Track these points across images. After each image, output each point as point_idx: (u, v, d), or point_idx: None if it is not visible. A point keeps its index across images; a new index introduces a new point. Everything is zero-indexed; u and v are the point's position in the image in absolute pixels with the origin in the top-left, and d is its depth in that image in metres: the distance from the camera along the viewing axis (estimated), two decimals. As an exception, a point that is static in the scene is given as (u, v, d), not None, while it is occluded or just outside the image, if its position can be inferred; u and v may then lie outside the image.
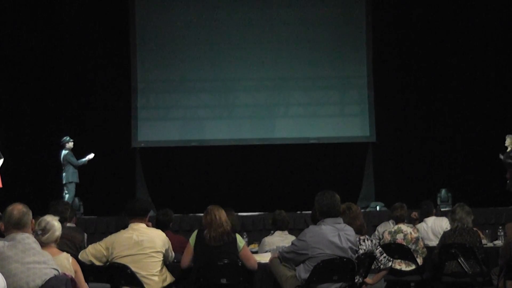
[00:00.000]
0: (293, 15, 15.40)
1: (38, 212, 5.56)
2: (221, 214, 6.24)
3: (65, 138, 13.43)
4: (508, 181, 13.18)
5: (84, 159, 13.37)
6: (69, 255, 5.31)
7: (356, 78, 15.44)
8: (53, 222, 5.27)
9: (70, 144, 13.41)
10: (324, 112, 15.50)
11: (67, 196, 13.25)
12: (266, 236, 7.90)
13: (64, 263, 5.09)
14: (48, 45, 15.03)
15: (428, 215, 8.84)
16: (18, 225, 4.48)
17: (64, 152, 13.33)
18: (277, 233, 7.72)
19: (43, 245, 5.08)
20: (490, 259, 7.18)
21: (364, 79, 15.38)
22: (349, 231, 5.82)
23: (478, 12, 14.99)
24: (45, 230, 5.19)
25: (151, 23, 15.46)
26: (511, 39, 14.87)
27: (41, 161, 14.81)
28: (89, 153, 13.45)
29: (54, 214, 6.22)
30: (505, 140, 13.17)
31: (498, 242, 8.13)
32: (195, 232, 6.30)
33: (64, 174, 13.34)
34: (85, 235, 7.41)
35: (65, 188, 13.34)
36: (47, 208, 7.25)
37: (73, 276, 4.78)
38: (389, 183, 14.74)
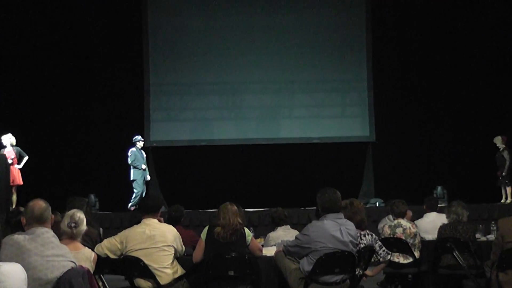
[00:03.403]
0: (296, 21, 15.42)
1: (56, 209, 5.58)
2: (234, 214, 6.22)
3: (136, 137, 13.77)
4: (499, 178, 13.27)
5: (137, 164, 13.58)
6: (92, 252, 5.33)
7: (356, 81, 15.46)
8: (84, 218, 5.32)
9: (140, 144, 13.74)
10: (326, 114, 15.51)
11: (134, 192, 13.48)
12: (271, 231, 7.88)
13: (86, 257, 5.14)
14: (64, 50, 15.06)
15: (431, 210, 8.84)
16: (40, 220, 4.50)
17: (131, 149, 13.60)
18: (280, 228, 7.70)
19: (72, 237, 5.14)
20: (483, 253, 7.16)
21: (364, 82, 15.39)
22: (350, 225, 5.82)
23: (475, 16, 14.98)
24: (77, 223, 5.23)
25: (163, 29, 15.50)
26: (507, 43, 14.85)
27: (58, 160, 14.86)
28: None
29: (71, 210, 6.24)
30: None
31: (491, 236, 8.11)
32: (207, 228, 6.29)
33: (131, 171, 13.60)
34: (101, 229, 7.42)
35: (133, 184, 13.60)
36: (63, 205, 7.27)
37: (90, 270, 4.79)
38: (388, 181, 14.73)
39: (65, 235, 5.20)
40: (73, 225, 5.23)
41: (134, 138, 13.71)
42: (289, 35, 15.41)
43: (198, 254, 6.25)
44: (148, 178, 13.90)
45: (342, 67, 15.44)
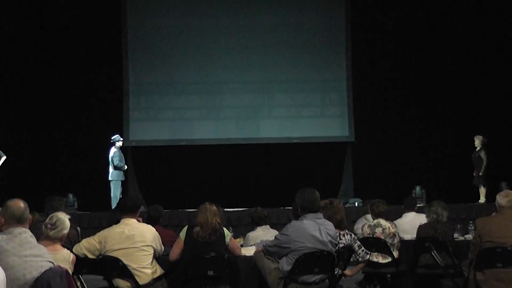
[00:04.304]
0: (276, 21, 15.44)
1: (34, 208, 5.54)
2: (213, 214, 6.22)
3: (116, 136, 13.68)
4: (475, 178, 13.39)
5: (122, 165, 13.51)
6: (70, 253, 5.30)
7: (336, 81, 15.51)
8: (65, 220, 5.29)
9: (120, 143, 13.62)
10: (305, 113, 15.55)
11: (112, 192, 13.33)
12: (250, 231, 7.88)
13: (65, 258, 5.11)
14: (43, 49, 14.98)
15: (410, 210, 8.87)
16: (20, 220, 4.46)
17: (112, 150, 13.44)
18: (260, 228, 7.71)
19: (49, 238, 5.11)
20: (461, 252, 7.22)
21: (344, 82, 15.44)
22: (329, 225, 5.83)
23: (454, 16, 15.10)
24: (54, 225, 5.20)
25: (142, 29, 15.45)
26: (487, 43, 14.98)
27: (36, 160, 14.77)
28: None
29: (49, 210, 6.21)
30: (474, 141, 13.44)
31: (469, 236, 8.17)
32: (186, 228, 6.29)
33: (110, 171, 13.45)
34: (79, 229, 7.39)
35: (111, 184, 13.45)
36: (41, 205, 7.24)
37: (69, 270, 4.77)
38: (367, 181, 14.80)
39: (43, 235, 5.17)
40: (49, 226, 5.21)
41: (113, 138, 13.63)
42: (269, 35, 15.42)
43: (175, 252, 6.25)
44: (123, 178, 13.81)
45: (322, 67, 15.48)
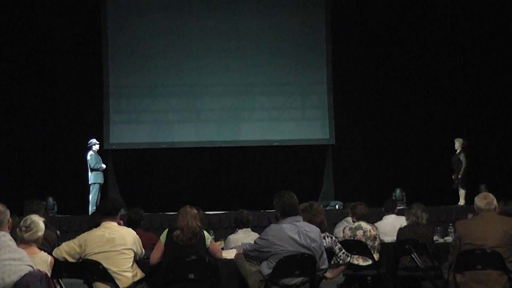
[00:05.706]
0: (257, 24, 15.44)
1: (14, 212, 5.50)
2: (193, 218, 6.22)
3: (92, 140, 13.59)
4: (455, 181, 13.48)
5: (99, 166, 13.42)
6: (48, 255, 5.26)
7: (316, 84, 15.53)
8: (38, 222, 5.25)
9: (96, 147, 13.58)
10: (286, 116, 15.55)
11: (90, 196, 13.25)
12: (231, 233, 7.89)
13: (43, 261, 5.06)
14: (23, 52, 14.87)
15: (390, 212, 8.90)
16: (0, 223, 4.43)
17: (89, 154, 13.40)
18: (241, 230, 7.73)
19: (24, 242, 5.06)
20: (441, 254, 7.26)
21: (324, 85, 15.48)
22: (308, 227, 5.82)
23: (435, 20, 15.20)
24: (28, 227, 5.16)
25: (122, 31, 15.38)
26: (467, 46, 15.09)
27: (16, 162, 14.67)
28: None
29: (29, 213, 6.16)
30: (454, 144, 13.53)
31: (449, 238, 8.23)
32: (166, 231, 6.28)
33: (89, 175, 13.40)
34: (58, 233, 7.35)
35: (90, 187, 13.38)
36: (21, 208, 7.19)
37: (48, 274, 4.73)
38: (348, 183, 14.84)
39: (18, 239, 5.14)
40: (23, 228, 5.17)
41: (89, 142, 13.54)
42: (250, 38, 15.43)
43: (155, 256, 6.24)
44: (102, 181, 13.75)
45: (302, 70, 15.50)
